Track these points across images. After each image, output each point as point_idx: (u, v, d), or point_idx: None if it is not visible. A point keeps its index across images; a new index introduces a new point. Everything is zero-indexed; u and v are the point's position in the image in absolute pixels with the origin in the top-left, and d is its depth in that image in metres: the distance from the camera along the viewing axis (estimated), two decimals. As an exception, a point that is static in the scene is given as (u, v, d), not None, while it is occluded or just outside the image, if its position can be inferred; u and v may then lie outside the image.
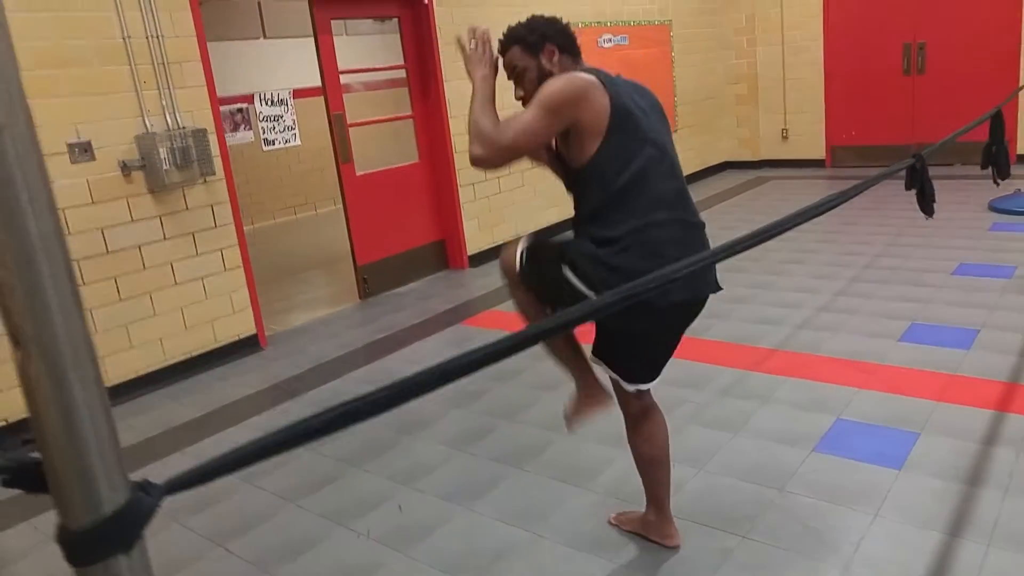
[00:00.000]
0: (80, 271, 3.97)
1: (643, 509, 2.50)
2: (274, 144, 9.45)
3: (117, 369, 4.14)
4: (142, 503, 0.64)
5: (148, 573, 0.65)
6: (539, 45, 2.13)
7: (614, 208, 2.04)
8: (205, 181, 4.49)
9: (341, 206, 5.74)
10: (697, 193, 8.55)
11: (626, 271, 1.96)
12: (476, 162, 2.02)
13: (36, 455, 0.69)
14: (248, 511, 2.94)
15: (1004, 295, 4.38)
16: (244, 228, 4.80)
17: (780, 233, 1.54)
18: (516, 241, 2.27)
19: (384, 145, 6.90)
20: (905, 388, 3.37)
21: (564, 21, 2.22)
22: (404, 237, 6.06)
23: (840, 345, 3.92)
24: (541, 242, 2.25)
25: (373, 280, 5.82)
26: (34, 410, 0.60)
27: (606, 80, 2.05)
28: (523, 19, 2.19)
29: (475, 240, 6.42)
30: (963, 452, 2.83)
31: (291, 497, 3.01)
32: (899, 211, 6.18)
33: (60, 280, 0.58)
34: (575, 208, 2.20)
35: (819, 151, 9.30)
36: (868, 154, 8.91)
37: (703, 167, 9.39)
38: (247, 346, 4.79)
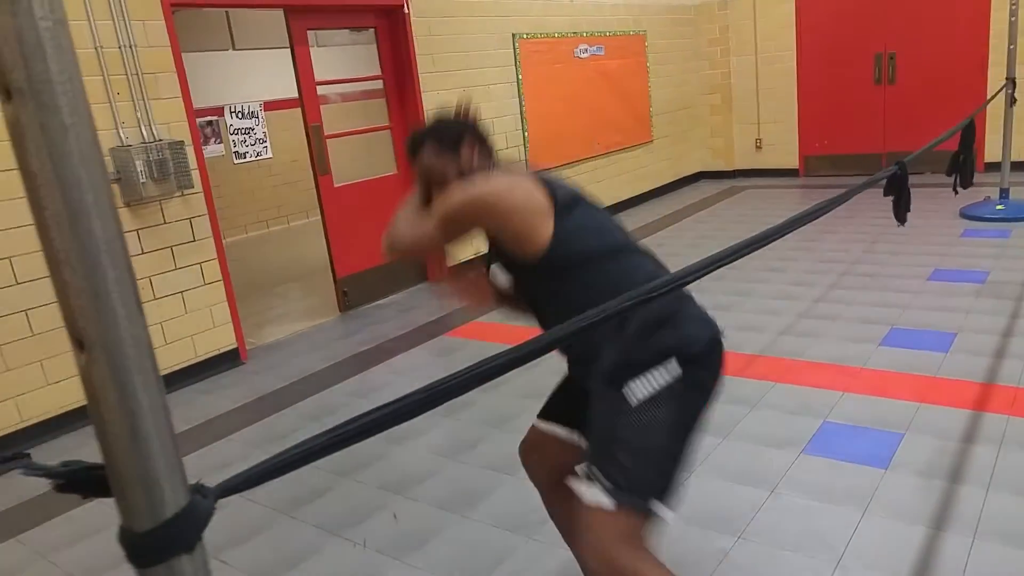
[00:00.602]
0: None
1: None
2: (245, 157, 9.36)
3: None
4: (200, 505, 0.65)
5: (207, 572, 0.65)
6: (458, 140, 1.84)
7: (614, 266, 1.75)
8: (183, 194, 4.44)
9: (315, 218, 5.70)
10: (671, 203, 8.67)
11: (678, 295, 1.76)
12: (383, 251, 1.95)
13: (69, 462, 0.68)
14: (241, 523, 2.90)
15: (978, 299, 4.49)
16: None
17: (771, 241, 1.56)
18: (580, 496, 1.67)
19: (361, 157, 6.88)
20: (888, 391, 3.44)
21: (472, 112, 1.92)
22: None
23: (823, 350, 3.98)
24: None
25: (353, 292, 5.79)
26: (97, 414, 0.60)
27: (527, 172, 1.86)
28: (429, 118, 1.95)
29: (454, 251, 6.40)
30: (946, 451, 2.90)
31: (284, 509, 2.98)
32: (874, 219, 6.31)
33: (124, 283, 0.58)
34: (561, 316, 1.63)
35: (792, 161, 9.44)
36: (840, 163, 9.07)
37: (677, 177, 9.48)
38: (228, 360, 4.74)
